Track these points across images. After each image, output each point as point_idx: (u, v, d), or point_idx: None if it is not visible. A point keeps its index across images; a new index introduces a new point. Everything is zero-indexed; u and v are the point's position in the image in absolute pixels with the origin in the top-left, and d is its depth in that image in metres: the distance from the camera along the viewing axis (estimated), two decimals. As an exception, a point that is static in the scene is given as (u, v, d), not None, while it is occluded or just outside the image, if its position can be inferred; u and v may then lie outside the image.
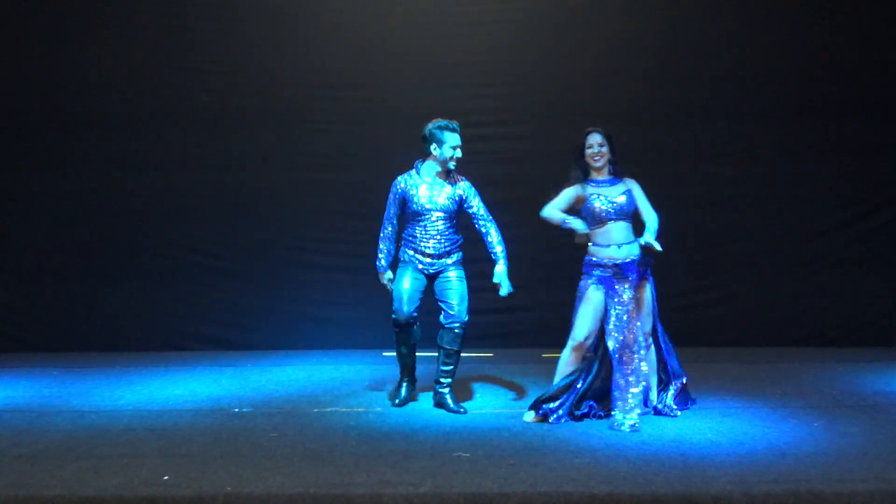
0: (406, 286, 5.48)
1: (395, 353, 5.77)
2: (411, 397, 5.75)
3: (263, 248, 7.81)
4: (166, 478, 4.20)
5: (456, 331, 5.47)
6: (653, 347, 5.33)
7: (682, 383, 5.36)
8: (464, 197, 5.54)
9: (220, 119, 7.74)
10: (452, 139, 5.41)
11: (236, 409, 5.61)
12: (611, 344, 5.15)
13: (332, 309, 7.77)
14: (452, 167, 5.47)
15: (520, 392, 6.02)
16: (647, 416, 5.18)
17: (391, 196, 5.55)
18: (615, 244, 5.23)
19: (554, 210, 5.40)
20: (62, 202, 7.81)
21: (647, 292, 5.26)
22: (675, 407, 5.26)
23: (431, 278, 5.56)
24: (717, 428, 4.97)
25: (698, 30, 7.65)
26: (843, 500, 3.89)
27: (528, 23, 7.72)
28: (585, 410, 5.19)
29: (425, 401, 5.78)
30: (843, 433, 4.85)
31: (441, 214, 5.46)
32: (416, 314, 5.51)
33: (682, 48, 7.63)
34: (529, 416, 5.20)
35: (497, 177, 7.67)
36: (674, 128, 7.56)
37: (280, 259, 7.80)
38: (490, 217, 5.63)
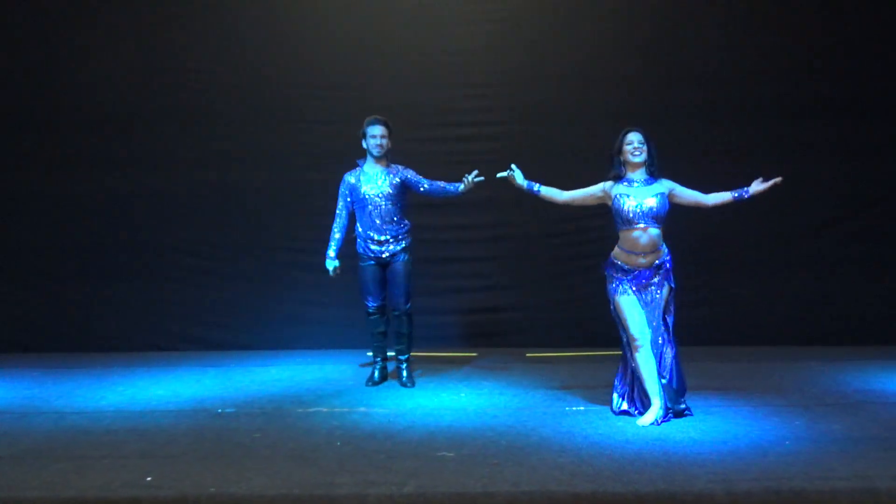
0: (368, 281, 6.18)
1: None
2: (384, 377, 6.35)
3: (247, 249, 7.78)
4: (149, 479, 4.18)
5: (402, 317, 6.19)
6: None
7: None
8: (405, 178, 6.13)
9: (204, 119, 7.71)
10: (372, 130, 6.05)
11: (219, 410, 5.59)
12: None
13: (316, 309, 7.75)
14: (376, 153, 6.05)
15: (503, 392, 6.03)
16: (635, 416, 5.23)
17: (340, 190, 6.18)
18: (641, 253, 5.13)
19: (565, 193, 5.40)
20: (47, 203, 7.75)
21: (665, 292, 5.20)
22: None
23: (385, 265, 6.14)
24: (699, 426, 4.99)
25: (691, 29, 7.62)
26: (825, 498, 3.92)
27: (518, 22, 7.71)
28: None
29: (409, 400, 5.79)
30: (824, 431, 4.89)
31: (385, 199, 6.06)
32: (383, 302, 6.23)
33: (675, 47, 7.60)
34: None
35: (484, 176, 7.66)
36: (673, 128, 7.56)
37: (264, 259, 7.78)
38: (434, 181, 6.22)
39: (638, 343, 5.13)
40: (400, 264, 6.13)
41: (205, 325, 7.81)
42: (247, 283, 7.77)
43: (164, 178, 7.73)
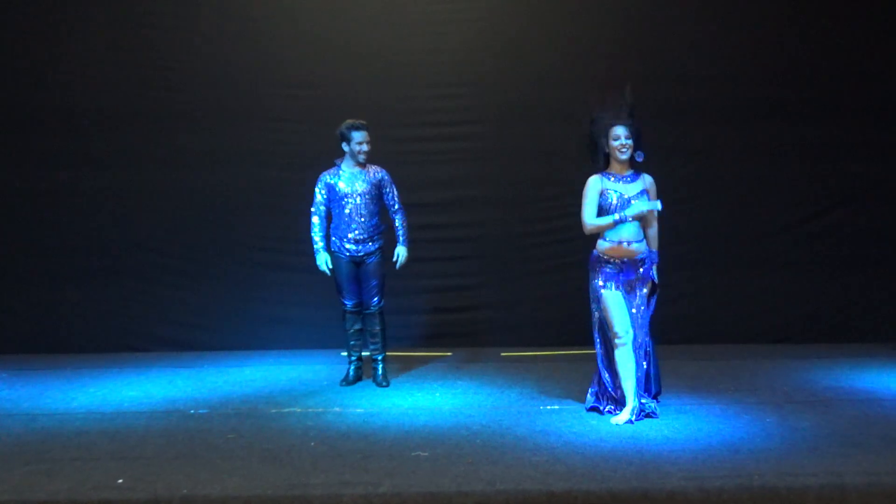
0: (343, 279, 6.20)
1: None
2: (358, 377, 6.33)
3: (220, 248, 7.73)
4: (120, 481, 4.14)
5: (374, 315, 6.22)
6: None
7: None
8: (381, 180, 6.19)
9: (175, 117, 7.65)
10: (358, 136, 6.07)
11: (192, 411, 5.55)
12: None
13: (289, 309, 7.71)
14: (362, 160, 6.12)
15: (478, 391, 6.04)
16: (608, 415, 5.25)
17: (317, 188, 6.19)
18: (625, 241, 5.08)
19: (596, 219, 5.12)
20: (10, 201, 7.65)
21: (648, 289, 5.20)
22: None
23: (359, 263, 6.18)
24: (672, 424, 5.04)
25: (664, 31, 7.65)
26: (795, 494, 3.97)
27: (491, 22, 7.71)
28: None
29: (384, 400, 5.78)
30: (794, 428, 4.95)
31: (362, 199, 6.11)
32: (359, 299, 6.24)
33: (649, 49, 7.62)
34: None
35: (459, 176, 7.70)
36: (648, 128, 7.56)
37: (236, 259, 7.73)
38: (399, 207, 6.28)
39: (621, 341, 5.11)
40: (373, 263, 6.17)
41: (177, 326, 7.75)
42: (219, 284, 7.72)
43: (136, 178, 7.65)
